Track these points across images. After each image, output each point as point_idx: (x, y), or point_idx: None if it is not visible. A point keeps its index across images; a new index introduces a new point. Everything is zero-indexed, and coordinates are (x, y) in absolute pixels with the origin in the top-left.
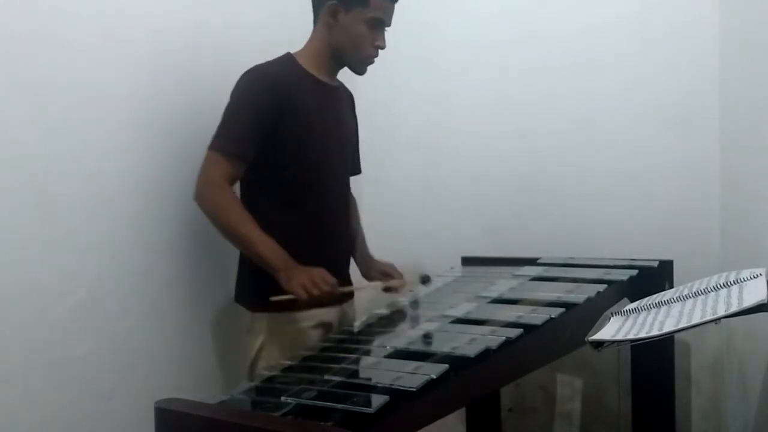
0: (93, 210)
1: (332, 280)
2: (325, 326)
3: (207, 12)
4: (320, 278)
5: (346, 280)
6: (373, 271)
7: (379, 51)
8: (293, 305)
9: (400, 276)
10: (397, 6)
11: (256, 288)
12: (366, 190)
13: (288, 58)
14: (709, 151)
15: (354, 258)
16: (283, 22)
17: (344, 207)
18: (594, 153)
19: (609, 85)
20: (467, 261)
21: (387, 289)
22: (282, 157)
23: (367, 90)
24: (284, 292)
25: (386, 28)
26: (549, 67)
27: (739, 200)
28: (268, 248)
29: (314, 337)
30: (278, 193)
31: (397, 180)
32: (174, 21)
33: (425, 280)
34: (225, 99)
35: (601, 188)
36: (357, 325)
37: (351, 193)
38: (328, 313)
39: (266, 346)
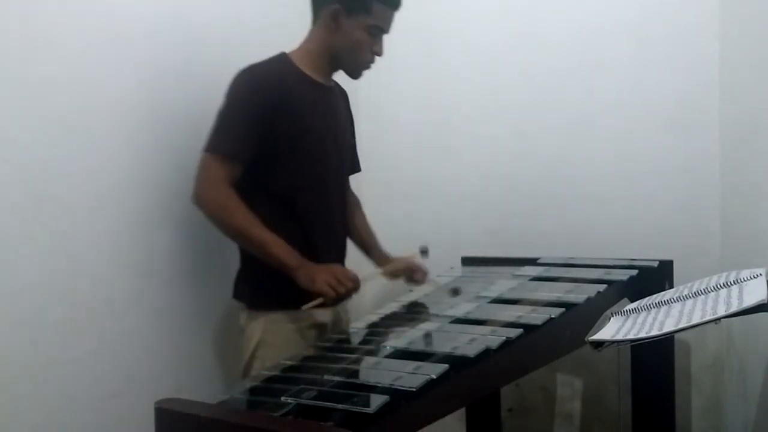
0: (93, 210)
1: (353, 274)
2: (320, 327)
3: (208, 11)
4: (342, 275)
5: None
6: (400, 268)
7: (376, 57)
8: (323, 305)
9: (421, 269)
10: None
11: (254, 286)
12: (366, 190)
13: (283, 57)
14: (709, 151)
15: (371, 257)
16: (282, 22)
17: (342, 205)
18: (594, 153)
19: (609, 85)
20: (467, 261)
21: (410, 280)
22: (278, 156)
23: (368, 90)
24: (296, 289)
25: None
26: (549, 68)
27: (739, 200)
28: (281, 248)
29: (309, 338)
30: (275, 194)
31: (397, 180)
32: (174, 19)
33: (424, 251)
34: None
35: (602, 188)
36: (353, 327)
37: (353, 192)
38: (323, 315)
39: (261, 347)
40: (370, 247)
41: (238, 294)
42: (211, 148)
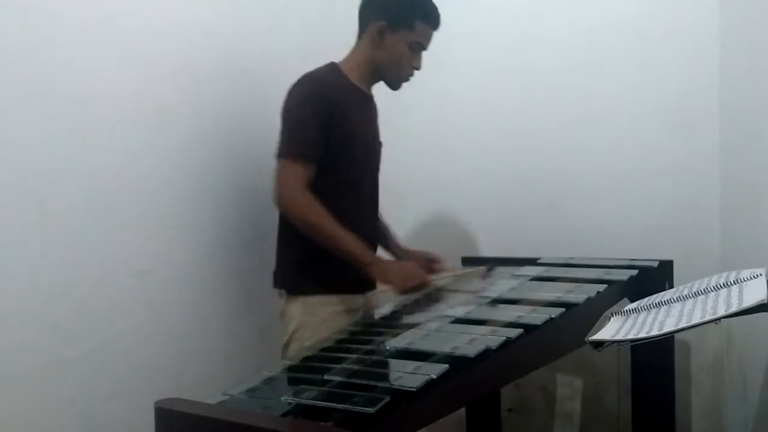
0: (93, 210)
1: (422, 272)
2: (353, 312)
3: (209, 14)
4: (414, 272)
5: None
6: (417, 259)
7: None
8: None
9: (439, 260)
10: None
11: (294, 273)
12: None
13: (334, 67)
14: (709, 151)
15: (391, 251)
16: (284, 28)
17: (376, 203)
18: (594, 153)
19: (609, 85)
20: (467, 261)
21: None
22: (330, 158)
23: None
24: (333, 275)
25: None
26: (550, 68)
27: (739, 200)
28: (357, 246)
29: (343, 321)
30: (323, 194)
31: (397, 180)
32: (176, 23)
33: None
34: (224, 100)
35: (602, 188)
36: (379, 312)
37: None
38: (356, 301)
39: (300, 329)
40: (389, 244)
41: (277, 282)
42: (286, 153)
